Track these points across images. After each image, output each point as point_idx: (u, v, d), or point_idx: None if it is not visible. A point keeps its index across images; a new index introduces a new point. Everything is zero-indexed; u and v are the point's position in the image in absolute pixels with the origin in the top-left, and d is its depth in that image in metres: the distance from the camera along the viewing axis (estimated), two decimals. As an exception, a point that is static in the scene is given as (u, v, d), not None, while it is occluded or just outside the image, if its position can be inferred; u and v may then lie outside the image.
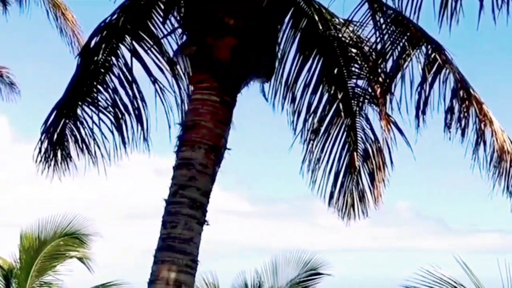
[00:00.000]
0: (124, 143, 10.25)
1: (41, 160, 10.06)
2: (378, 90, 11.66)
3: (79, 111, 10.23)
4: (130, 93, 10.26)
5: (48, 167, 10.12)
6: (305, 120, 11.67)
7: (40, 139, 9.92)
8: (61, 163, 10.21)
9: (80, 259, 18.73)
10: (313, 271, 17.78)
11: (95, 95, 10.19)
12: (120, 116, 10.16)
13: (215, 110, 8.70)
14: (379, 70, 11.15)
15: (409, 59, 10.67)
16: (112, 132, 10.38)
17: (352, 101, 12.03)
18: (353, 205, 12.53)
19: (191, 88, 9.12)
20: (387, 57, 10.77)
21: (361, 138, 12.29)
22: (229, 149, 8.82)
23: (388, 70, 10.95)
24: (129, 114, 10.27)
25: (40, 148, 9.95)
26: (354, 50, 11.32)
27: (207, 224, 8.62)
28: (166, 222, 8.50)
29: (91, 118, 10.29)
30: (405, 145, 11.46)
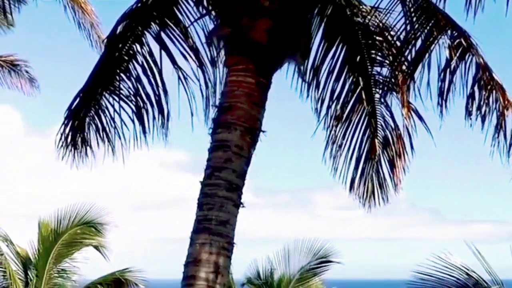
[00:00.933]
0: (144, 132, 9.63)
1: (61, 146, 9.48)
2: (401, 78, 11.16)
3: (100, 99, 9.72)
4: (153, 81, 9.63)
5: (68, 153, 9.53)
6: (329, 107, 11.17)
7: (63, 124, 9.41)
8: (80, 151, 9.62)
9: (96, 247, 18.32)
10: (323, 258, 17.44)
11: (118, 83, 9.62)
12: (141, 105, 9.58)
13: (250, 92, 8.20)
14: (403, 58, 10.64)
15: (433, 45, 10.20)
16: (132, 121, 9.79)
17: (373, 89, 11.53)
18: (373, 192, 12.02)
19: (225, 70, 8.56)
20: (414, 43, 10.29)
21: (381, 125, 11.81)
22: (263, 131, 8.30)
23: (412, 57, 10.45)
24: (151, 103, 9.67)
25: (61, 134, 9.43)
26: (378, 38, 10.81)
27: (243, 206, 8.11)
28: (202, 204, 7.99)
29: (113, 106, 9.74)
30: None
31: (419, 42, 10.38)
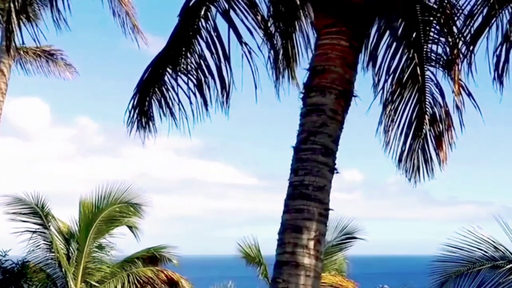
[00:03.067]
0: (206, 105, 8.53)
1: (129, 123, 8.52)
2: (455, 54, 10.03)
3: (164, 75, 8.64)
4: (216, 56, 8.46)
5: (135, 130, 8.55)
6: (385, 81, 10.00)
7: (130, 101, 8.49)
8: (145, 127, 8.61)
9: (130, 226, 17.23)
10: (349, 235, 16.51)
11: (182, 58, 8.53)
12: (203, 79, 8.48)
13: (344, 55, 7.03)
14: (462, 34, 9.51)
15: (494, 20, 9.10)
16: (195, 94, 8.67)
17: (425, 66, 10.37)
18: (418, 168, 10.87)
19: (314, 34, 7.37)
20: (475, 18, 9.16)
21: (429, 102, 10.66)
22: (355, 96, 7.12)
23: (472, 33, 9.32)
24: (213, 77, 8.53)
25: (129, 111, 8.49)
26: (436, 14, 9.66)
27: (337, 172, 6.93)
28: (297, 169, 6.80)
29: (176, 80, 8.66)
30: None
31: (478, 19, 9.25)
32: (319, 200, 6.70)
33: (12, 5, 8.38)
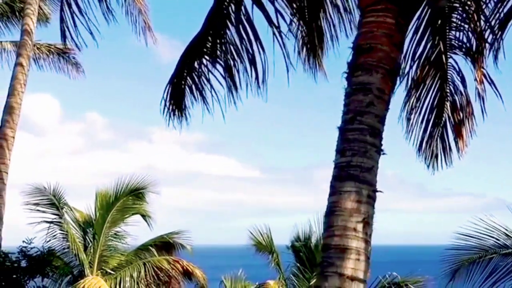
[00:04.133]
0: (236, 89, 8.13)
1: (165, 111, 8.21)
2: (480, 42, 9.46)
3: (195, 62, 8.27)
4: (246, 38, 7.97)
5: (170, 118, 8.26)
6: (410, 68, 9.43)
7: (165, 91, 8.19)
8: (179, 114, 8.29)
9: (142, 215, 16.68)
10: None
11: (212, 44, 8.16)
12: (233, 63, 8.05)
13: (390, 32, 6.41)
14: (490, 21, 8.93)
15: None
16: (225, 79, 8.27)
17: (448, 53, 9.79)
18: (436, 156, 10.31)
19: (357, 12, 6.77)
20: (505, 3, 8.57)
21: (450, 90, 10.09)
22: (400, 75, 6.53)
23: (500, 19, 8.73)
24: (243, 61, 8.09)
25: (164, 100, 8.20)
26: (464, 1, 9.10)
27: (383, 153, 6.32)
28: (344, 150, 6.18)
29: (206, 67, 8.26)
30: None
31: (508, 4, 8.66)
32: (368, 181, 6.09)
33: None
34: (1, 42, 18.45)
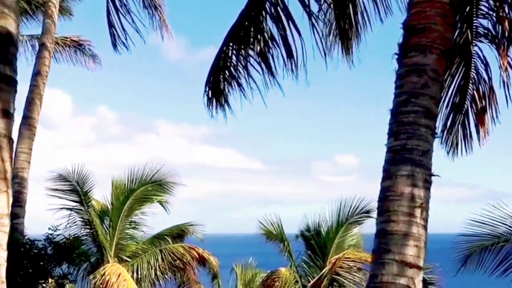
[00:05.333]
0: (272, 75, 7.71)
1: (207, 102, 7.91)
2: (504, 30, 8.87)
3: (233, 52, 7.92)
4: (280, 25, 7.55)
5: (213, 107, 7.93)
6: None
7: (206, 83, 7.91)
8: (221, 103, 7.94)
9: (162, 203, 15.99)
10: (365, 214, 15.45)
11: (246, 31, 7.73)
12: (267, 49, 7.63)
13: (444, 12, 5.81)
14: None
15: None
16: (260, 64, 7.82)
17: (473, 41, 9.19)
18: (457, 143, 9.73)
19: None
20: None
21: (474, 77, 9.50)
22: (456, 56, 5.94)
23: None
24: (279, 47, 7.66)
25: (206, 93, 7.91)
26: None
27: (437, 136, 5.73)
28: (398, 133, 5.59)
29: (242, 55, 7.85)
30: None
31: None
32: (424, 165, 5.51)
33: None
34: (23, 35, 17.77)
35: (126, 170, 15.79)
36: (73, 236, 11.40)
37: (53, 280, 9.33)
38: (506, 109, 9.00)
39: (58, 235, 10.23)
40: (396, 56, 5.88)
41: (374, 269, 5.44)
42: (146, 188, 15.68)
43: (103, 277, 13.58)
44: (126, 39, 7.54)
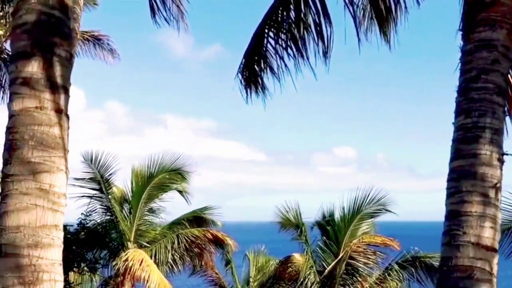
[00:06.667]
0: (303, 59, 7.34)
1: (243, 87, 7.60)
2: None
3: (265, 37, 7.55)
4: (314, 10, 7.15)
5: (247, 93, 7.64)
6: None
7: (239, 69, 7.61)
8: (254, 88, 7.63)
9: (180, 191, 15.47)
10: (381, 206, 14.96)
11: (279, 17, 7.38)
12: (301, 35, 7.25)
13: (514, -15, 5.27)
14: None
15: None
16: (292, 49, 7.43)
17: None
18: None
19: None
20: None
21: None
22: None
23: None
24: (311, 32, 7.27)
25: (240, 80, 7.59)
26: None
27: (508, 115, 5.22)
28: (469, 110, 5.07)
29: (274, 39, 7.52)
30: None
31: None
32: (497, 144, 5.01)
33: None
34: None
35: (146, 159, 15.38)
36: (104, 222, 10.85)
37: (85, 265, 8.78)
38: None
39: (90, 220, 9.69)
40: (460, 32, 5.35)
41: (446, 252, 4.94)
42: (164, 176, 15.20)
43: (126, 262, 13.04)
44: (166, 9, 7.03)
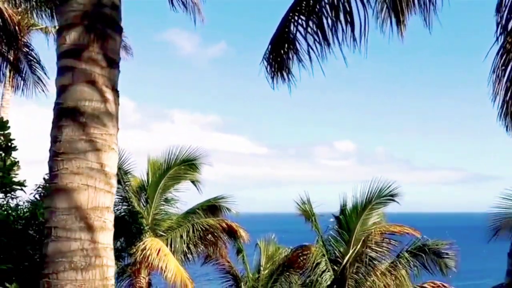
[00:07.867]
0: (329, 45, 7.07)
1: (268, 73, 7.37)
2: None
3: (291, 25, 7.27)
4: None
5: (273, 79, 7.40)
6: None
7: (265, 55, 7.38)
8: (280, 75, 7.38)
9: (193, 181, 15.07)
10: (389, 197, 14.62)
11: (310, 1, 7.09)
12: (327, 22, 7.00)
13: None
14: None
15: None
16: (318, 36, 7.16)
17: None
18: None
19: None
20: None
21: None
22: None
23: None
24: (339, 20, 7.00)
25: (266, 66, 7.36)
26: None
27: None
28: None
29: (302, 26, 7.19)
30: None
31: None
32: None
33: None
34: (47, 27, 16.61)
35: (163, 150, 15.01)
36: (130, 210, 10.41)
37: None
38: None
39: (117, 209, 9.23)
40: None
41: None
42: (180, 167, 14.80)
43: (143, 251, 12.59)
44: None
